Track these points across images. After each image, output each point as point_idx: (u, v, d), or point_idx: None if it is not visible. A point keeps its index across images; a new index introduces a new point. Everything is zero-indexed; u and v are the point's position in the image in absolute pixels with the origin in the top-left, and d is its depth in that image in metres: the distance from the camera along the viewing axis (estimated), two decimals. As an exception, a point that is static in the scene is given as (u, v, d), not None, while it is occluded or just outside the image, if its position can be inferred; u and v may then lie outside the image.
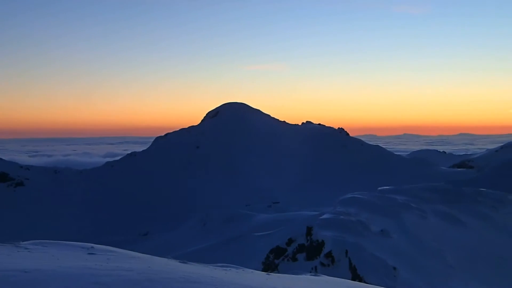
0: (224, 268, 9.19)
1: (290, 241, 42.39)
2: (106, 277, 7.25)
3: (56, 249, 9.76)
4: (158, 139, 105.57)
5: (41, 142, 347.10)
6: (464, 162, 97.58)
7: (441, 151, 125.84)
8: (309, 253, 39.48)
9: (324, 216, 43.02)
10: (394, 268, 35.59)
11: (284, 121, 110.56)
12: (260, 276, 9.39)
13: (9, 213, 76.73)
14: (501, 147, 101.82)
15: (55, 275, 7.15)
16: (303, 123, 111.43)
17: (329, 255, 37.68)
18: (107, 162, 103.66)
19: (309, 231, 41.24)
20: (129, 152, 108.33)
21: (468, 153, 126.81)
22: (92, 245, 10.17)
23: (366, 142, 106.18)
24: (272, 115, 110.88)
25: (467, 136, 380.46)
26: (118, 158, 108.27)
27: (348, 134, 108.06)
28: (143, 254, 10.20)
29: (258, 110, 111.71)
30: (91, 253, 9.56)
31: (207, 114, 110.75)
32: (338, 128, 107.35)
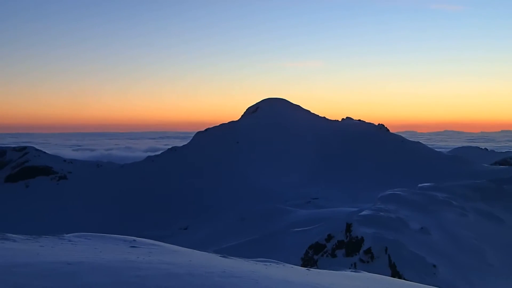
0: (265, 263, 9.25)
1: (329, 237, 42.21)
2: (147, 270, 7.36)
3: (98, 242, 9.92)
4: (199, 134, 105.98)
5: (84, 136, 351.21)
6: (506, 160, 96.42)
7: (483, 148, 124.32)
8: (348, 249, 39.34)
9: (364, 213, 42.84)
10: (434, 266, 35.34)
11: (324, 117, 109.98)
12: (300, 271, 9.45)
13: (53, 206, 77.82)
14: None
15: (98, 267, 7.28)
16: (343, 119, 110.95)
17: (368, 251, 37.53)
18: (148, 157, 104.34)
19: (348, 227, 41.06)
20: (170, 146, 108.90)
21: (510, 149, 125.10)
22: (135, 238, 10.30)
23: (407, 138, 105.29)
24: (312, 111, 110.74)
25: (509, 133, 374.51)
26: (159, 152, 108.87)
27: (388, 130, 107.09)
28: (184, 248, 10.30)
29: (298, 106, 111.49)
30: (133, 246, 9.68)
31: (247, 110, 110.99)
32: (378, 124, 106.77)
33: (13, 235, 9.71)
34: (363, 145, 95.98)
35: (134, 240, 10.16)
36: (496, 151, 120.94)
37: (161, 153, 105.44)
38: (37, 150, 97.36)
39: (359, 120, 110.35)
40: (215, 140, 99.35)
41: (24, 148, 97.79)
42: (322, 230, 44.05)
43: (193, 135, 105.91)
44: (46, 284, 6.28)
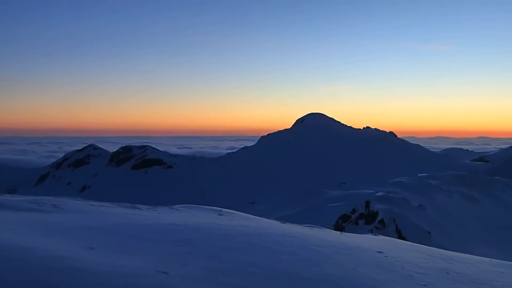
0: (310, 227, 9.39)
1: (353, 211, 42.14)
2: (229, 230, 7.54)
3: (196, 211, 10.16)
4: (262, 137, 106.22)
5: (185, 139, 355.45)
6: (481, 158, 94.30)
7: (465, 149, 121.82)
8: (367, 219, 39.29)
9: (378, 194, 42.91)
10: (429, 232, 35.11)
11: (350, 126, 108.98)
12: (335, 233, 9.50)
13: (163, 186, 79.29)
14: (510, 147, 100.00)
15: (195, 227, 7.49)
16: (364, 127, 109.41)
17: (381, 221, 37.43)
18: (228, 153, 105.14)
19: (367, 204, 40.98)
20: (242, 146, 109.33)
21: (485, 151, 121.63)
22: (221, 208, 10.52)
23: (409, 142, 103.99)
24: (342, 122, 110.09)
25: (484, 138, 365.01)
26: (235, 150, 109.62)
27: (396, 135, 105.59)
28: (254, 216, 10.48)
29: (332, 118, 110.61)
30: (220, 214, 9.77)
31: (296, 121, 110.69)
32: (389, 131, 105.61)
33: (140, 205, 10.03)
34: (379, 146, 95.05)
35: (221, 210, 10.28)
36: (474, 151, 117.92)
37: (237, 150, 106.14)
38: (153, 148, 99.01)
39: (375, 128, 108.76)
40: (274, 141, 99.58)
41: (144, 146, 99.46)
42: (349, 205, 43.91)
43: (258, 138, 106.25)
44: (161, 237, 6.51)
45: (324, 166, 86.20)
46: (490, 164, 77.50)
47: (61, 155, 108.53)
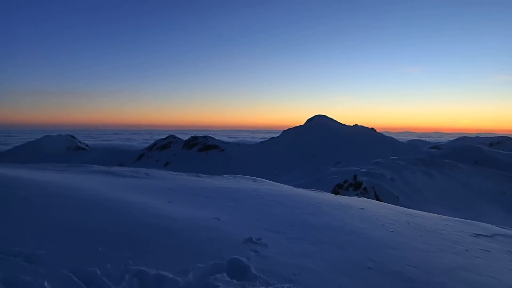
0: (316, 191, 9.36)
1: (345, 181, 41.49)
2: (261, 191, 7.57)
3: (239, 179, 10.22)
4: (284, 131, 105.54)
5: (232, 131, 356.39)
6: (436, 146, 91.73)
7: (424, 140, 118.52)
8: (355, 187, 38.65)
9: (363, 170, 42.13)
10: (397, 197, 34.36)
11: (344, 124, 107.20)
12: (333, 196, 9.41)
13: (218, 163, 79.80)
14: (455, 140, 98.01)
15: (239, 189, 7.54)
16: (353, 125, 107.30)
17: (364, 189, 36.79)
18: (261, 141, 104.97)
19: (355, 177, 40.33)
20: (271, 137, 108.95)
21: (439, 142, 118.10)
22: (255, 178, 10.57)
23: (385, 135, 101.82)
24: (339, 121, 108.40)
25: (439, 133, 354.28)
26: (266, 139, 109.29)
27: (376, 130, 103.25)
28: (278, 183, 10.49)
29: (332, 118, 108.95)
30: (255, 181, 9.81)
31: (307, 120, 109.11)
32: (371, 127, 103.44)
33: (202, 175, 10.16)
34: (364, 138, 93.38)
35: (255, 178, 10.29)
36: (431, 142, 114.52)
37: (266, 140, 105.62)
38: (211, 137, 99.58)
39: (361, 125, 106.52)
40: (292, 134, 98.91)
41: (206, 136, 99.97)
42: (342, 177, 43.32)
43: (281, 131, 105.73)
44: (216, 195, 6.58)
45: (326, 151, 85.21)
46: (442, 151, 75.11)
47: (152, 141, 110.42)
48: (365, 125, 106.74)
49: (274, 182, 10.28)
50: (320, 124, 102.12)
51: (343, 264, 3.67)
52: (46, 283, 2.73)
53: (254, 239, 3.98)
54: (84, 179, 7.12)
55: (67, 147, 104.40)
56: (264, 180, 10.36)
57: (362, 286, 3.21)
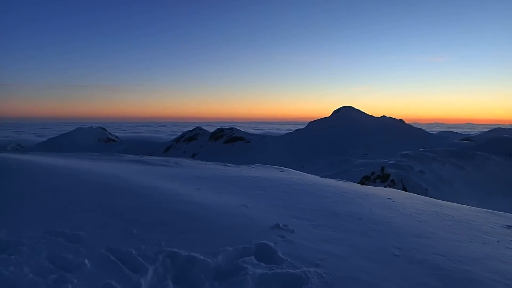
0: (342, 181, 9.32)
1: (372, 173, 40.90)
2: (287, 181, 7.60)
3: (266, 168, 10.29)
4: (310, 122, 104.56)
5: (258, 123, 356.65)
6: (467, 138, 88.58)
7: (455, 131, 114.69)
8: (382, 179, 38.07)
9: (390, 162, 41.33)
10: (426, 189, 33.62)
11: (371, 115, 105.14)
12: (359, 185, 9.34)
13: (244, 154, 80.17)
14: (489, 131, 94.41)
15: (265, 178, 7.59)
16: (381, 116, 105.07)
17: (392, 181, 36.18)
18: (286, 133, 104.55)
19: (382, 169, 39.67)
20: (296, 128, 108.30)
21: (471, 133, 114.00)
22: (282, 168, 10.61)
23: (414, 126, 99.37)
24: (366, 112, 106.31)
25: (471, 124, 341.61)
26: (292, 131, 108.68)
27: (404, 122, 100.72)
28: (304, 173, 10.48)
29: (359, 110, 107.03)
30: (281, 171, 9.82)
31: (333, 111, 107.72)
32: (399, 119, 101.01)
33: (230, 164, 10.31)
34: (391, 130, 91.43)
35: (281, 168, 10.33)
36: (462, 133, 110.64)
37: (292, 131, 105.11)
38: (237, 129, 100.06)
39: (389, 116, 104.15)
40: (318, 125, 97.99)
41: (232, 128, 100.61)
42: (369, 169, 42.70)
43: (307, 123, 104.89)
44: (243, 184, 6.69)
45: (353, 143, 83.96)
46: (473, 143, 72.54)
47: (179, 133, 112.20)
48: (393, 116, 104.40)
49: (300, 172, 10.29)
50: (346, 116, 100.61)
51: (369, 251, 3.70)
52: (86, 261, 2.92)
53: (281, 225, 4.06)
54: (117, 168, 7.40)
55: (98, 139, 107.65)
56: (290, 169, 10.40)
57: (388, 272, 3.24)
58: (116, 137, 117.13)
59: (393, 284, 3.00)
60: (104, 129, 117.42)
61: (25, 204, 4.13)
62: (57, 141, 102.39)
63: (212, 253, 3.21)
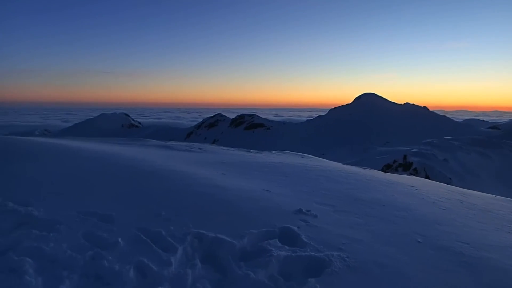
0: (364, 168, 9.24)
1: (394, 161, 40.33)
2: (309, 167, 7.58)
3: (287, 155, 10.30)
4: (331, 109, 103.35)
5: (278, 110, 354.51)
6: (495, 126, 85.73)
7: (482, 119, 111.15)
8: (404, 167, 37.53)
9: (413, 150, 40.61)
10: (450, 178, 32.96)
11: (394, 102, 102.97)
12: (381, 173, 9.27)
13: (264, 141, 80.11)
14: None
15: (287, 164, 7.58)
16: (404, 103, 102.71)
17: (415, 169, 35.61)
18: (307, 120, 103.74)
19: (405, 157, 39.07)
20: (317, 115, 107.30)
21: (498, 121, 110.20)
22: (303, 154, 10.62)
23: (438, 114, 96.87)
24: (389, 99, 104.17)
25: (498, 112, 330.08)
26: (312, 118, 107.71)
27: (428, 109, 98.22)
28: (325, 160, 10.48)
29: (381, 97, 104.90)
30: (302, 157, 9.83)
31: (355, 98, 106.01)
32: (423, 106, 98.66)
33: (252, 150, 10.40)
34: (415, 117, 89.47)
35: (303, 155, 10.30)
36: (489, 121, 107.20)
37: (313, 118, 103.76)
38: (257, 116, 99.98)
39: (413, 103, 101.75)
40: (339, 112, 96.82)
41: (252, 115, 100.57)
42: (391, 157, 42.11)
43: (328, 110, 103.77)
44: (266, 169, 6.72)
45: (375, 130, 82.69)
46: (501, 131, 70.17)
47: (200, 120, 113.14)
48: (417, 103, 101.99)
49: (321, 158, 10.29)
50: (368, 102, 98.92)
51: (391, 236, 3.74)
52: (120, 239, 3.08)
53: (303, 210, 4.13)
54: (143, 152, 7.61)
55: (121, 125, 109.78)
56: (311, 156, 10.41)
57: (411, 258, 3.27)
58: (139, 122, 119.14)
59: (416, 270, 3.04)
60: (127, 115, 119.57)
61: (58, 186, 4.34)
62: (82, 127, 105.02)
63: (237, 235, 3.32)
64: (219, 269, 2.94)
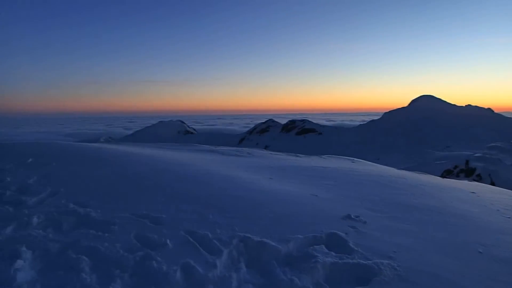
0: (419, 173, 8.75)
1: (455, 167, 37.90)
2: (358, 172, 7.33)
3: (337, 159, 10.07)
4: (386, 113, 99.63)
5: (330, 115, 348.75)
6: None
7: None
8: (466, 174, 35.13)
9: (476, 155, 37.89)
10: (519, 184, 30.29)
11: (454, 104, 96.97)
12: (437, 178, 8.71)
13: (317, 147, 79.05)
14: None
15: (335, 169, 7.44)
16: (466, 105, 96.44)
17: (478, 176, 33.22)
18: (360, 124, 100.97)
19: (467, 162, 36.57)
20: (370, 119, 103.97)
21: None
22: (354, 158, 10.31)
23: (504, 116, 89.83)
24: (449, 101, 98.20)
25: None
26: (365, 122, 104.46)
27: (493, 111, 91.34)
28: (377, 164, 10.03)
29: (440, 99, 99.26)
30: (352, 161, 9.57)
31: (412, 100, 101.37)
32: (487, 107, 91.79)
33: (301, 155, 10.29)
34: (478, 119, 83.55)
35: (353, 159, 10.01)
36: None
37: (366, 122, 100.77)
38: (309, 121, 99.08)
39: (475, 105, 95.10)
40: (395, 116, 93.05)
41: (304, 120, 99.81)
42: (451, 162, 39.63)
43: (382, 114, 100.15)
44: (314, 174, 6.64)
45: (434, 134, 78.33)
46: None
47: (252, 125, 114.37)
48: (480, 105, 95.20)
49: (372, 163, 9.92)
50: (426, 105, 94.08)
51: (448, 246, 3.48)
52: (168, 241, 3.16)
53: (352, 216, 3.99)
54: (193, 157, 7.83)
55: (177, 131, 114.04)
56: (362, 160, 10.07)
57: (469, 269, 3.02)
58: (194, 129, 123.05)
59: (476, 282, 2.80)
60: (182, 122, 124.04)
61: (115, 188, 4.58)
62: (142, 133, 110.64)
63: (283, 240, 3.28)
64: (263, 273, 2.91)
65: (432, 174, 9.62)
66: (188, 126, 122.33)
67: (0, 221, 3.53)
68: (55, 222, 3.50)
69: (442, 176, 36.65)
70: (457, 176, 35.41)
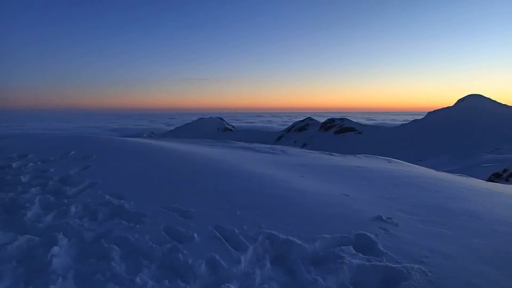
0: (460, 175, 8.31)
1: (505, 170, 35.69)
2: (395, 172, 7.09)
3: (373, 159, 9.77)
4: (430, 113, 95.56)
5: (371, 114, 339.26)
6: None
7: None
8: (517, 177, 32.99)
9: (529, 158, 35.53)
10: None
11: (505, 104, 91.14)
12: (481, 181, 8.19)
13: (356, 147, 77.43)
14: None
15: (372, 169, 7.22)
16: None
17: (530, 179, 31.08)
18: (402, 124, 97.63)
19: (517, 165, 34.34)
20: (414, 119, 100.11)
21: None
22: (390, 158, 9.96)
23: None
24: (499, 101, 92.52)
25: None
26: (408, 122, 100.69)
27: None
28: (414, 165, 9.63)
29: (489, 98, 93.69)
30: (389, 162, 9.26)
31: (458, 100, 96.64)
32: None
33: (334, 153, 10.09)
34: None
35: (390, 159, 9.68)
36: None
37: (409, 122, 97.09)
38: (348, 119, 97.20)
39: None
40: (439, 116, 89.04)
41: (343, 119, 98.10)
42: (501, 165, 37.39)
43: (426, 113, 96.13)
44: (347, 173, 6.47)
45: (481, 136, 74.17)
46: None
47: (290, 123, 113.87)
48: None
49: (411, 164, 9.54)
50: (473, 105, 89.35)
51: (487, 254, 3.26)
52: (195, 235, 3.21)
53: (384, 217, 3.85)
54: (227, 153, 7.90)
55: (217, 128, 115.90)
56: (399, 161, 9.71)
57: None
58: (233, 126, 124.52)
59: (516, 294, 2.61)
60: (222, 119, 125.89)
61: (149, 182, 4.71)
62: (182, 130, 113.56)
63: (309, 239, 3.22)
64: (288, 271, 2.88)
65: (479, 178, 9.09)
66: (227, 123, 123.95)
67: (42, 209, 3.74)
68: (91, 212, 3.66)
69: (490, 180, 34.63)
70: (506, 181, 33.33)
